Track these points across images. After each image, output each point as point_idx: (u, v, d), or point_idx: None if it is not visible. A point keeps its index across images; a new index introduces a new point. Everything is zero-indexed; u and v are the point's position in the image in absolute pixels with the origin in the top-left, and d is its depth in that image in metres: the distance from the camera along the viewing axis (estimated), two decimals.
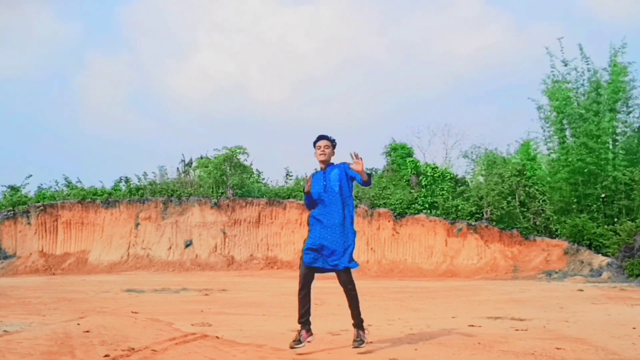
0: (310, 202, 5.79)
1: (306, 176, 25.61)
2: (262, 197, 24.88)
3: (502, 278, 18.36)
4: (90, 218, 24.66)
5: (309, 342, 5.46)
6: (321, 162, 5.83)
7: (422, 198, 23.07)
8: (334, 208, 5.61)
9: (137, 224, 24.44)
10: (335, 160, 5.90)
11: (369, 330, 5.83)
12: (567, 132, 21.00)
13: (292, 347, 5.36)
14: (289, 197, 24.60)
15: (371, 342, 6.15)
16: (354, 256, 5.64)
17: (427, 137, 44.99)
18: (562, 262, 18.67)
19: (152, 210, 24.55)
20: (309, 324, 5.51)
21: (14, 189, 26.82)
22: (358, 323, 5.60)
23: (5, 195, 26.57)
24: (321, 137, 5.85)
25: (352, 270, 5.58)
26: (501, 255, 20.22)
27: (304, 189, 5.66)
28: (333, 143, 5.86)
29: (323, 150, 5.78)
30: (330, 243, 5.51)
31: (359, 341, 5.49)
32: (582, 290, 13.23)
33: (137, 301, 11.15)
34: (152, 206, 24.63)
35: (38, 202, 25.28)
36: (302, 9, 63.36)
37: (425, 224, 21.88)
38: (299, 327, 5.50)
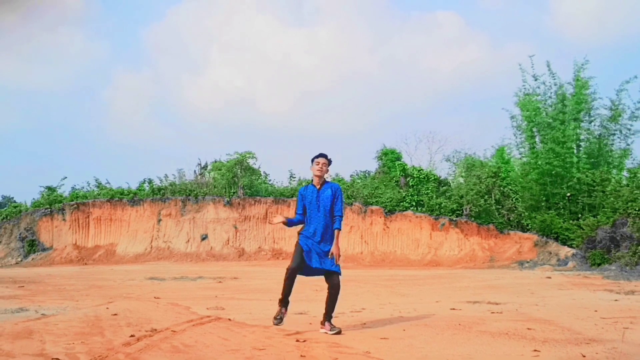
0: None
1: (306, 181, 25.57)
2: (269, 196, 24.87)
3: (480, 267, 18.35)
4: (118, 215, 24.63)
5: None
6: (317, 176, 5.79)
7: (410, 197, 23.06)
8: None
9: (159, 220, 24.42)
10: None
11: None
12: (537, 139, 20.98)
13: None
14: (292, 196, 24.56)
15: (364, 324, 6.15)
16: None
17: (414, 143, 45.07)
18: (533, 253, 18.66)
19: (172, 208, 24.54)
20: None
21: (50, 189, 26.80)
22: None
23: (43, 194, 26.55)
24: (321, 155, 5.81)
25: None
26: (479, 247, 20.20)
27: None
28: (330, 162, 5.83)
29: (321, 167, 5.75)
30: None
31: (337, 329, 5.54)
32: (550, 278, 13.22)
33: (159, 288, 11.14)
34: (172, 204, 24.61)
35: (72, 200, 25.26)
36: (303, 30, 63.46)
37: (412, 220, 21.87)
38: (281, 307, 5.78)
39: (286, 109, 57.80)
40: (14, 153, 53.37)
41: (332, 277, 5.56)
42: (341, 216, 5.69)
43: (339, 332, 5.44)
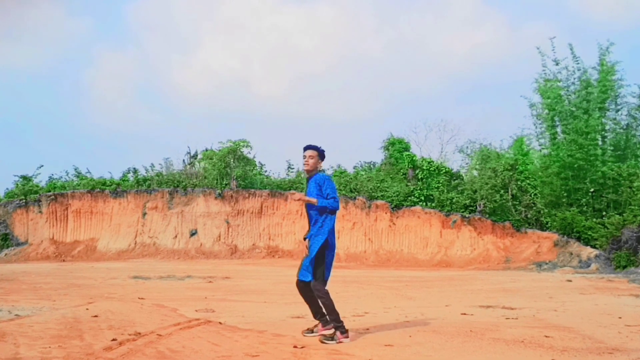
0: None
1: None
2: (265, 188, 24.87)
3: (495, 268, 18.39)
4: (99, 207, 24.66)
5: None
6: (306, 171, 5.81)
7: (418, 191, 23.07)
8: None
9: (144, 214, 24.45)
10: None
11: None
12: (558, 129, 20.93)
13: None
14: (290, 189, 24.58)
15: (367, 329, 6.17)
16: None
17: (423, 132, 45.15)
18: (552, 253, 18.68)
19: (159, 201, 24.55)
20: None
21: (26, 178, 26.80)
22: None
23: (17, 184, 26.55)
24: (307, 148, 5.74)
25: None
26: (494, 247, 20.23)
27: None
28: (320, 152, 5.75)
29: (307, 161, 5.72)
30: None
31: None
32: (570, 281, 13.24)
33: (143, 288, 11.16)
34: (159, 196, 24.63)
35: (49, 191, 25.27)
36: (302, 7, 63.17)
37: (421, 216, 21.88)
38: (311, 317, 5.78)
39: (283, 92, 57.74)
40: None
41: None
42: (334, 198, 5.54)
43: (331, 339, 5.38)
